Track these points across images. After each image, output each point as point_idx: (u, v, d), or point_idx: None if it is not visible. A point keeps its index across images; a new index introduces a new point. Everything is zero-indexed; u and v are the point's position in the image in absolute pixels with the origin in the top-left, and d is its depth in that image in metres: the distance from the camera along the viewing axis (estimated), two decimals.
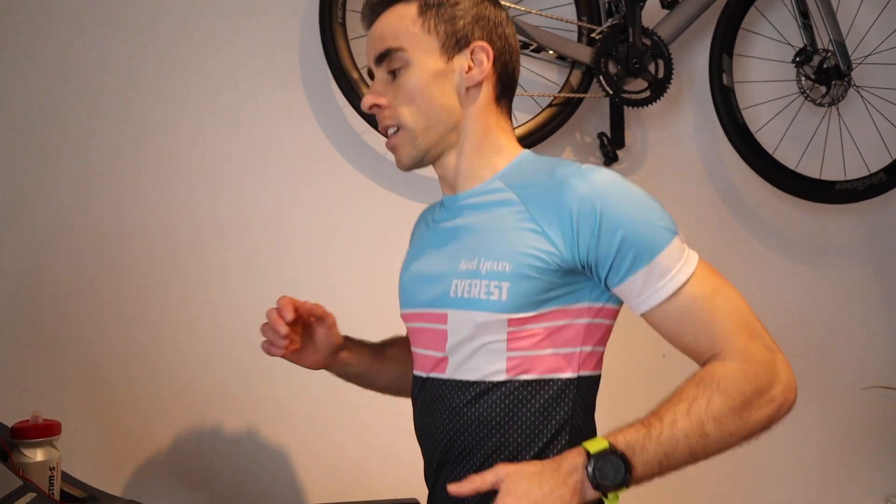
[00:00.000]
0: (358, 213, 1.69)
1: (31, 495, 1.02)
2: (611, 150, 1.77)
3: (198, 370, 1.58)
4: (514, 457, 0.94)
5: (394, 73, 1.00)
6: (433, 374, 1.01)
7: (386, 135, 1.03)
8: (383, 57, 1.00)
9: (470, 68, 1.00)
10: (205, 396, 1.58)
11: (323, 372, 1.18)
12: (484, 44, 1.00)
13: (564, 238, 0.91)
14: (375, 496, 1.51)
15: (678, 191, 1.88)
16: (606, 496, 0.86)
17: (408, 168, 1.03)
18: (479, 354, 0.95)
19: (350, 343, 1.18)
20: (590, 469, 0.84)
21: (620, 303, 0.98)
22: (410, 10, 1.00)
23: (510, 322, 0.93)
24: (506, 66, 1.03)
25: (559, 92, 1.72)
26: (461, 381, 0.97)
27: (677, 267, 0.91)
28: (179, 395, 1.57)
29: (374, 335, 1.24)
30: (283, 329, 1.05)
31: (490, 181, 1.01)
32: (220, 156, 1.63)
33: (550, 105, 1.71)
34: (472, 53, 1.00)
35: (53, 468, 1.15)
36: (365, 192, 1.69)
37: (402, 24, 0.99)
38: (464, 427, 0.96)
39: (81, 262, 1.55)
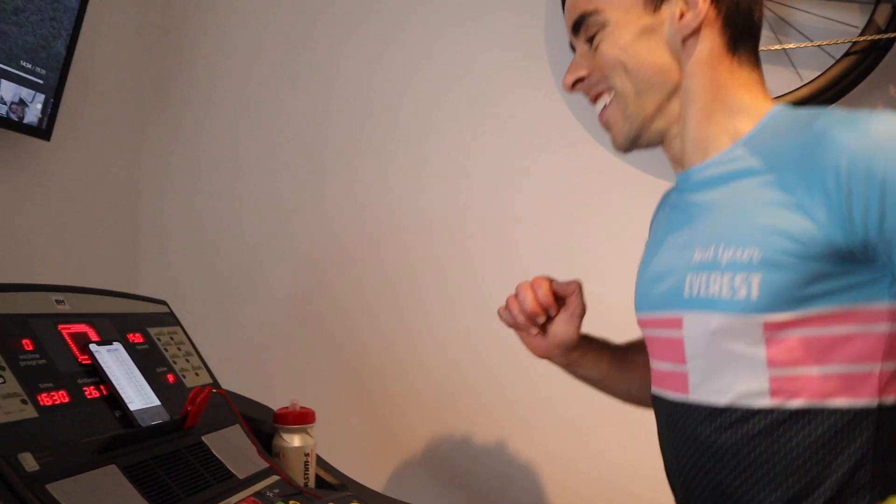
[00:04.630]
0: (617, 199, 1.54)
1: (273, 478, 1.08)
2: None
3: (451, 370, 1.58)
4: None
5: (592, 41, 0.86)
6: (671, 393, 0.84)
7: (597, 107, 0.90)
8: (579, 25, 0.87)
9: (683, 14, 0.82)
10: (456, 397, 1.57)
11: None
12: None
13: (830, 211, 0.69)
14: None
15: None
16: None
17: (624, 147, 0.89)
18: (730, 370, 0.75)
19: (586, 344, 1.04)
20: None
21: None
22: None
23: (766, 326, 0.72)
24: (736, 4, 0.83)
25: (860, 35, 1.38)
26: (707, 406, 0.78)
27: None
28: (432, 394, 1.58)
29: (624, 335, 1.10)
30: (530, 306, 0.98)
31: (730, 150, 0.81)
32: (471, 151, 1.61)
33: (848, 54, 1.38)
34: None
35: (308, 454, 1.21)
36: (627, 178, 1.54)
37: None
38: (711, 463, 0.78)
39: (343, 265, 1.65)
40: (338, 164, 1.67)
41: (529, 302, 0.98)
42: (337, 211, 1.66)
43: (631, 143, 0.88)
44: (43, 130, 1.34)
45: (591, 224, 1.54)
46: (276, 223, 1.69)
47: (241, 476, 1.02)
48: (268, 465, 1.10)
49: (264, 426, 1.22)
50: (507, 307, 1.02)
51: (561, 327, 1.00)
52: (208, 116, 1.74)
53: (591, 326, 1.49)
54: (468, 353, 1.57)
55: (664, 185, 1.49)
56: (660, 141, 0.88)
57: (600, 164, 1.54)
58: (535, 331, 1.02)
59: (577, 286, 1.00)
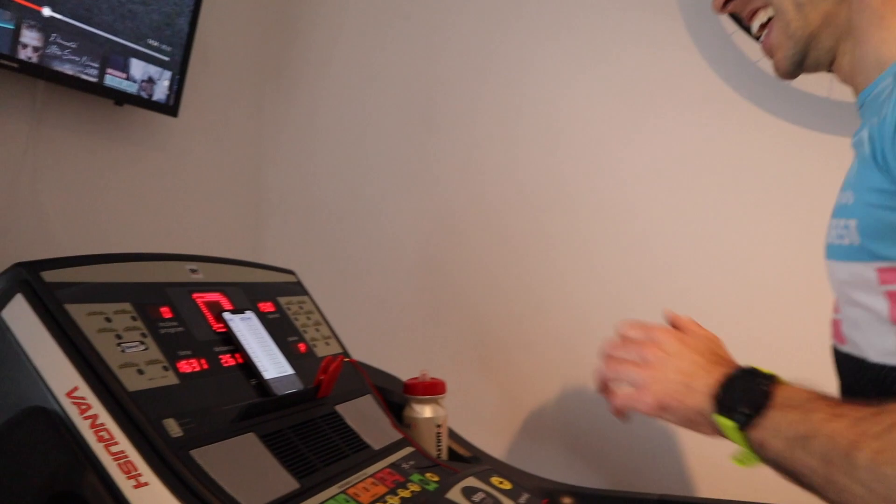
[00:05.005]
0: (768, 156, 1.40)
1: (408, 449, 1.05)
2: None
3: (588, 342, 1.48)
4: None
5: None
6: (835, 342, 0.76)
7: (757, 36, 0.80)
8: None
9: None
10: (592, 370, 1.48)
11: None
12: None
13: None
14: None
15: None
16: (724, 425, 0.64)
17: (788, 71, 0.77)
18: (864, 322, 0.67)
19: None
20: (727, 379, 0.66)
21: None
22: None
23: (881, 275, 0.63)
24: None
25: None
26: (849, 356, 0.71)
27: None
28: (567, 367, 1.50)
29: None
30: None
31: (885, 74, 0.68)
32: (603, 109, 1.51)
33: None
34: None
35: (440, 425, 1.17)
36: (774, 133, 1.39)
37: None
38: None
39: (470, 233, 1.59)
40: (460, 128, 1.61)
41: None
42: (462, 176, 1.60)
43: (796, 66, 0.76)
44: (170, 107, 1.36)
45: (740, 186, 1.41)
46: (399, 191, 1.65)
47: (375, 447, 1.00)
48: (401, 436, 1.06)
49: (394, 397, 1.20)
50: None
51: None
52: (326, 87, 1.73)
53: (739, 313, 1.36)
54: (607, 325, 1.47)
55: (818, 138, 1.35)
56: (829, 61, 0.75)
57: (744, 118, 1.41)
58: None
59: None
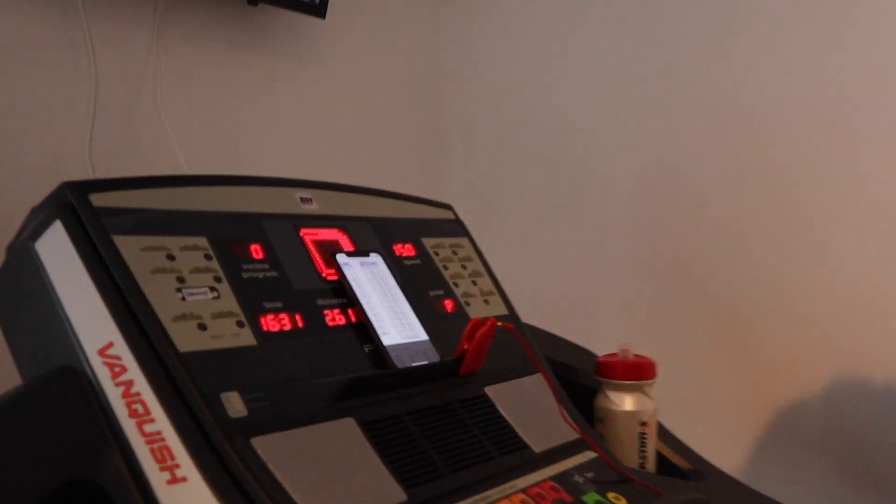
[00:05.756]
0: None
1: (587, 454, 0.76)
2: None
3: (872, 320, 1.11)
4: None
5: None
6: None
7: None
8: None
9: None
10: (877, 358, 1.09)
11: None
12: None
13: None
14: None
15: None
16: None
17: None
18: None
19: None
20: None
21: None
22: None
23: None
24: None
25: None
26: None
27: None
28: (837, 352, 1.14)
29: None
30: None
31: None
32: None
33: None
34: None
35: (645, 423, 0.88)
36: None
37: None
38: None
39: (703, 168, 1.28)
40: (693, 36, 1.28)
41: None
42: (694, 99, 1.29)
43: None
44: (316, 6, 1.21)
45: None
46: (610, 118, 1.38)
47: (536, 449, 0.73)
48: (579, 435, 0.78)
49: (582, 378, 0.94)
50: None
51: None
52: None
53: None
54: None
55: None
56: None
57: None
58: None
59: None
